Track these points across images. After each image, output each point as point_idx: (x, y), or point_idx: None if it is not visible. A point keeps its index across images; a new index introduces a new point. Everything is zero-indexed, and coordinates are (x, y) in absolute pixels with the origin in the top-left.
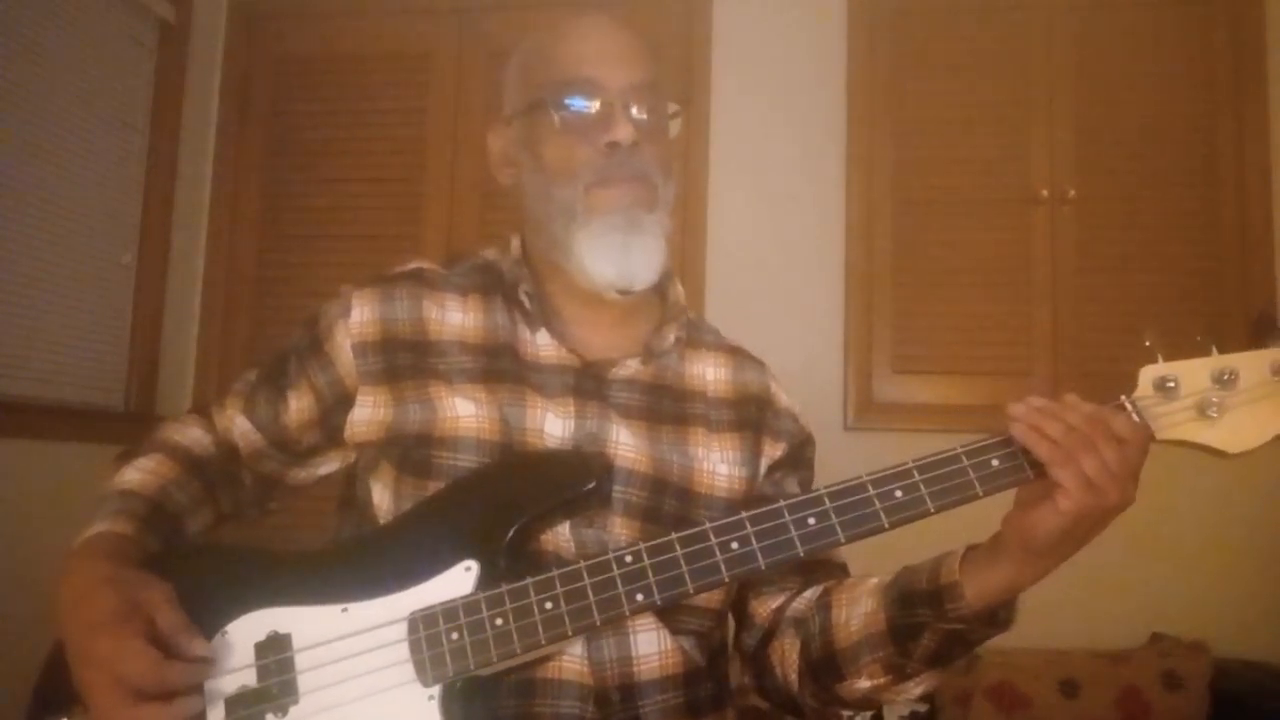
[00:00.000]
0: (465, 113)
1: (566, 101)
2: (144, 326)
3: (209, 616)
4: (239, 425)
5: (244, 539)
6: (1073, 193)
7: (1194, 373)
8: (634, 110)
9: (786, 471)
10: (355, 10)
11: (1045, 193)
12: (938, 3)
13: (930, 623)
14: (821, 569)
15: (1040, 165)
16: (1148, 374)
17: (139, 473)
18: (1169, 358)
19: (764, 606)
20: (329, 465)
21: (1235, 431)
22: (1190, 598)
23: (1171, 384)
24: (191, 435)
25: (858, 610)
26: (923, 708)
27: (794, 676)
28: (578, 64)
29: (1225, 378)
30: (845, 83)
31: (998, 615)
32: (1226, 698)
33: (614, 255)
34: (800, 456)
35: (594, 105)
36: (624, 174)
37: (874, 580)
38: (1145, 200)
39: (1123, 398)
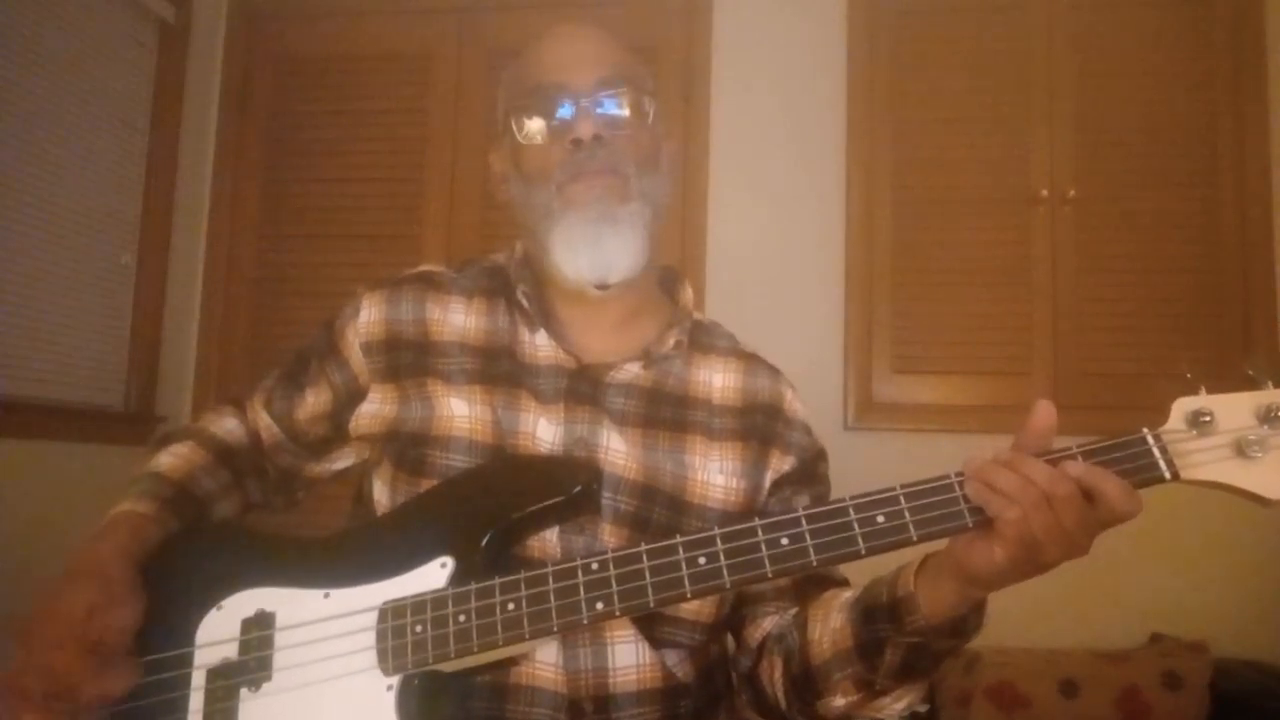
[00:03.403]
0: (465, 113)
1: (534, 109)
2: (144, 326)
3: (212, 590)
4: (262, 418)
5: (253, 521)
6: (1073, 193)
7: (1235, 407)
8: (600, 107)
9: (797, 488)
10: (355, 10)
11: (1045, 193)
12: (938, 3)
13: (891, 637)
14: (815, 588)
15: (1040, 165)
16: (1180, 406)
17: (170, 457)
18: (1213, 391)
19: (758, 630)
20: (343, 460)
21: (1278, 475)
22: (1190, 598)
23: (1207, 418)
24: (225, 425)
25: (829, 627)
26: (923, 708)
27: (781, 695)
28: (543, 72)
29: (1274, 414)
30: (845, 83)
31: (965, 624)
32: (1226, 698)
33: (586, 248)
34: (812, 472)
35: (560, 108)
36: (592, 167)
37: (846, 595)
38: (1145, 200)
39: (1145, 430)
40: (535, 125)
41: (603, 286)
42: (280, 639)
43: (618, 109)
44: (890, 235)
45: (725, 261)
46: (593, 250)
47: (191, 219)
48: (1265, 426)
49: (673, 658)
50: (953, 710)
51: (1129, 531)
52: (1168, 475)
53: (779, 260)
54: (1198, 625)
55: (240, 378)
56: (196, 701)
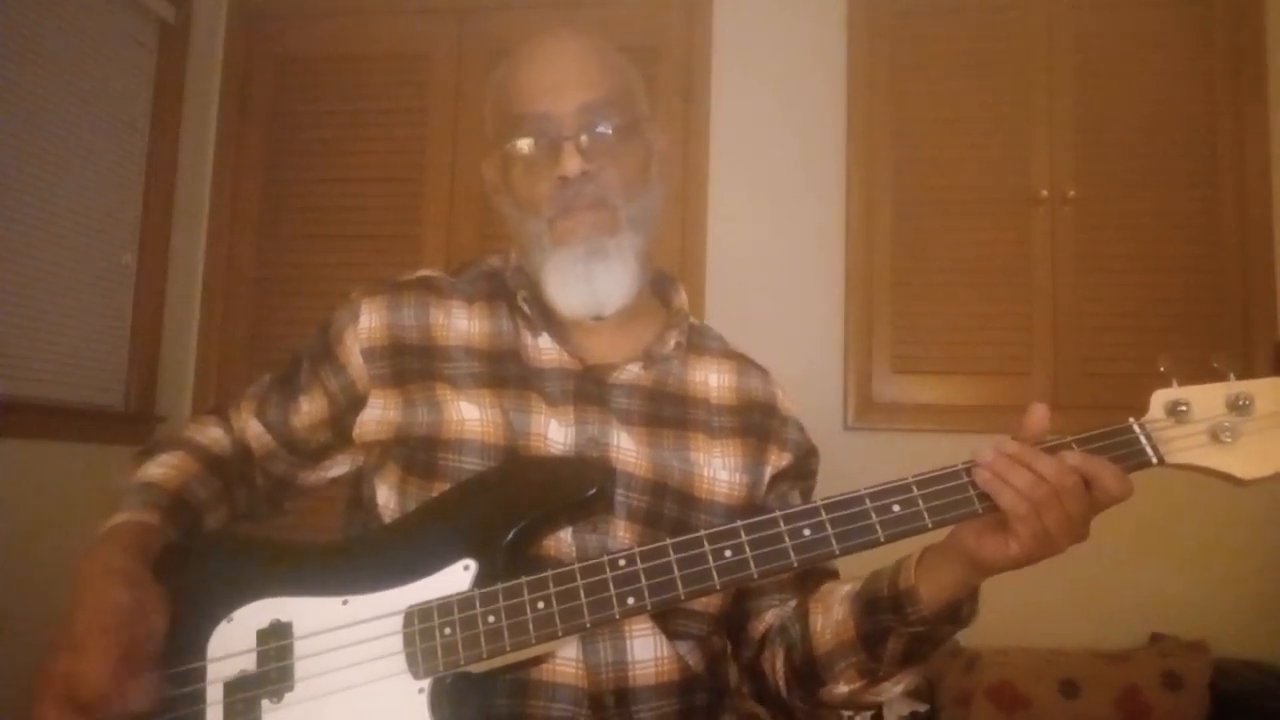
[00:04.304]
0: (465, 113)
1: (519, 141)
2: (144, 326)
3: (219, 602)
4: (252, 427)
5: (258, 530)
6: (1073, 193)
7: (1208, 397)
8: (585, 135)
9: (792, 483)
10: (355, 10)
11: (1045, 193)
12: (938, 3)
13: (894, 627)
14: (812, 580)
15: (1040, 165)
16: (1159, 398)
17: (162, 468)
18: (1184, 383)
19: (761, 623)
20: (339, 468)
21: (1250, 458)
22: (1190, 598)
23: (1184, 408)
24: (211, 435)
25: (830, 618)
26: (923, 708)
27: (783, 684)
28: (525, 100)
29: (1241, 403)
30: (845, 83)
31: (960, 612)
32: (1226, 698)
33: (579, 285)
34: (805, 468)
35: (544, 140)
36: (581, 203)
37: (846, 587)
38: (1145, 200)
39: (1131, 420)
40: (521, 156)
41: (598, 318)
42: (300, 648)
43: (604, 132)
44: (890, 235)
45: (725, 261)
46: (584, 286)
47: (191, 219)
48: (1235, 414)
49: (684, 649)
50: (953, 710)
51: (1129, 532)
52: (1154, 460)
53: (779, 260)
54: (1198, 625)
55: (240, 378)
56: (215, 715)
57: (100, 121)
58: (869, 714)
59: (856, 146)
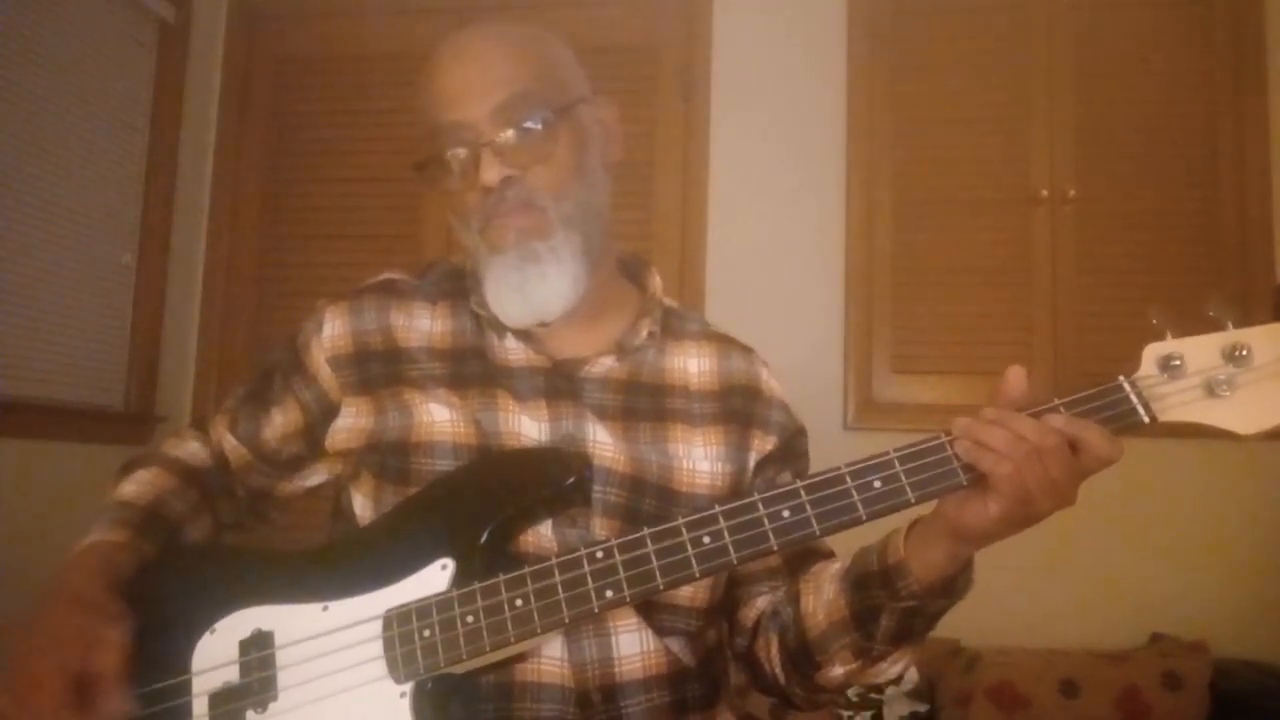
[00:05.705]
0: None
1: (437, 156)
2: (144, 326)
3: (200, 614)
4: (227, 440)
5: (238, 540)
6: (1073, 193)
7: (1202, 349)
8: (509, 132)
9: (780, 466)
10: (355, 10)
11: (1045, 193)
12: (938, 3)
13: (885, 603)
14: (805, 563)
15: (1040, 165)
16: (1151, 352)
17: (135, 484)
18: (1179, 335)
19: (753, 609)
20: (316, 477)
21: (1248, 411)
22: (1190, 598)
23: (1177, 362)
24: (188, 449)
25: (821, 599)
26: (923, 708)
27: (779, 670)
28: (438, 109)
29: (1238, 354)
30: (845, 83)
31: (954, 584)
32: (1226, 698)
33: (512, 295)
34: (793, 449)
35: (463, 149)
36: (506, 209)
37: (836, 566)
38: (1145, 200)
39: (1121, 378)
40: (445, 169)
41: (543, 325)
42: (282, 657)
43: (524, 132)
44: (890, 235)
45: (725, 261)
46: (520, 294)
47: (191, 219)
48: (1231, 365)
49: (675, 645)
50: (953, 710)
51: (1129, 532)
52: (1146, 419)
53: (779, 260)
54: (1198, 625)
55: (240, 378)
56: None
57: (100, 121)
58: (869, 714)
59: (856, 147)
